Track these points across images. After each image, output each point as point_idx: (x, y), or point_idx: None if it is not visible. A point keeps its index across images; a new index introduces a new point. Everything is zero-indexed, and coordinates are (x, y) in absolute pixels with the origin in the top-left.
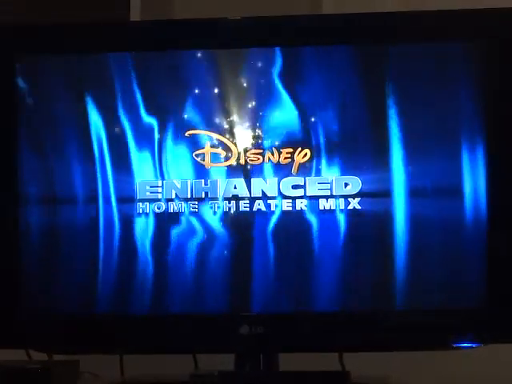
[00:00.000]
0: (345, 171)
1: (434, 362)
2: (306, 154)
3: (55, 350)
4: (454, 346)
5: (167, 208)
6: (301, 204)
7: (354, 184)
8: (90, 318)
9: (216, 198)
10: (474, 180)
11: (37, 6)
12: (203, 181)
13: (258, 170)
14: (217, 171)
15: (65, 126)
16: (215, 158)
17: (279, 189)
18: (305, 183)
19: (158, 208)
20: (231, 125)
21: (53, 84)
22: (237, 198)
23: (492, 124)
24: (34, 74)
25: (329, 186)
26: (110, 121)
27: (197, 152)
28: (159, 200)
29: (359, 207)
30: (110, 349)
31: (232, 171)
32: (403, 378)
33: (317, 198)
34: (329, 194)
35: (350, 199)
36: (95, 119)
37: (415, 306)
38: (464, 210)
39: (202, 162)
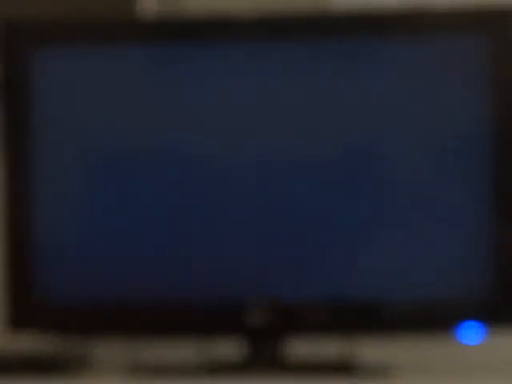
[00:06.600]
0: None
1: (437, 350)
2: None
3: (68, 336)
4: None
5: None
6: None
7: None
8: (102, 304)
9: None
10: (476, 169)
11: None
12: None
13: None
14: None
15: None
16: None
17: None
18: None
19: None
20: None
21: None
22: None
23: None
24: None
25: None
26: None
27: None
28: None
29: None
30: (121, 335)
31: None
32: (407, 366)
33: None
34: None
35: None
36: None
37: (419, 295)
38: (468, 196)
39: None
